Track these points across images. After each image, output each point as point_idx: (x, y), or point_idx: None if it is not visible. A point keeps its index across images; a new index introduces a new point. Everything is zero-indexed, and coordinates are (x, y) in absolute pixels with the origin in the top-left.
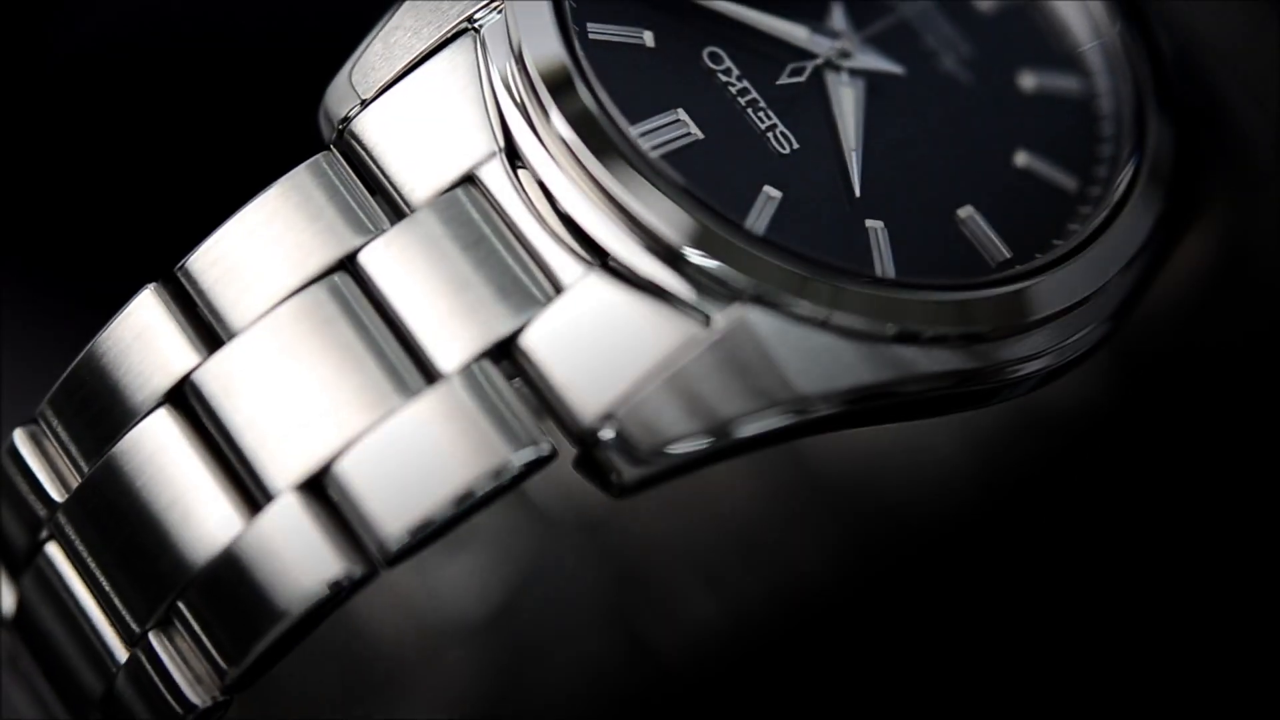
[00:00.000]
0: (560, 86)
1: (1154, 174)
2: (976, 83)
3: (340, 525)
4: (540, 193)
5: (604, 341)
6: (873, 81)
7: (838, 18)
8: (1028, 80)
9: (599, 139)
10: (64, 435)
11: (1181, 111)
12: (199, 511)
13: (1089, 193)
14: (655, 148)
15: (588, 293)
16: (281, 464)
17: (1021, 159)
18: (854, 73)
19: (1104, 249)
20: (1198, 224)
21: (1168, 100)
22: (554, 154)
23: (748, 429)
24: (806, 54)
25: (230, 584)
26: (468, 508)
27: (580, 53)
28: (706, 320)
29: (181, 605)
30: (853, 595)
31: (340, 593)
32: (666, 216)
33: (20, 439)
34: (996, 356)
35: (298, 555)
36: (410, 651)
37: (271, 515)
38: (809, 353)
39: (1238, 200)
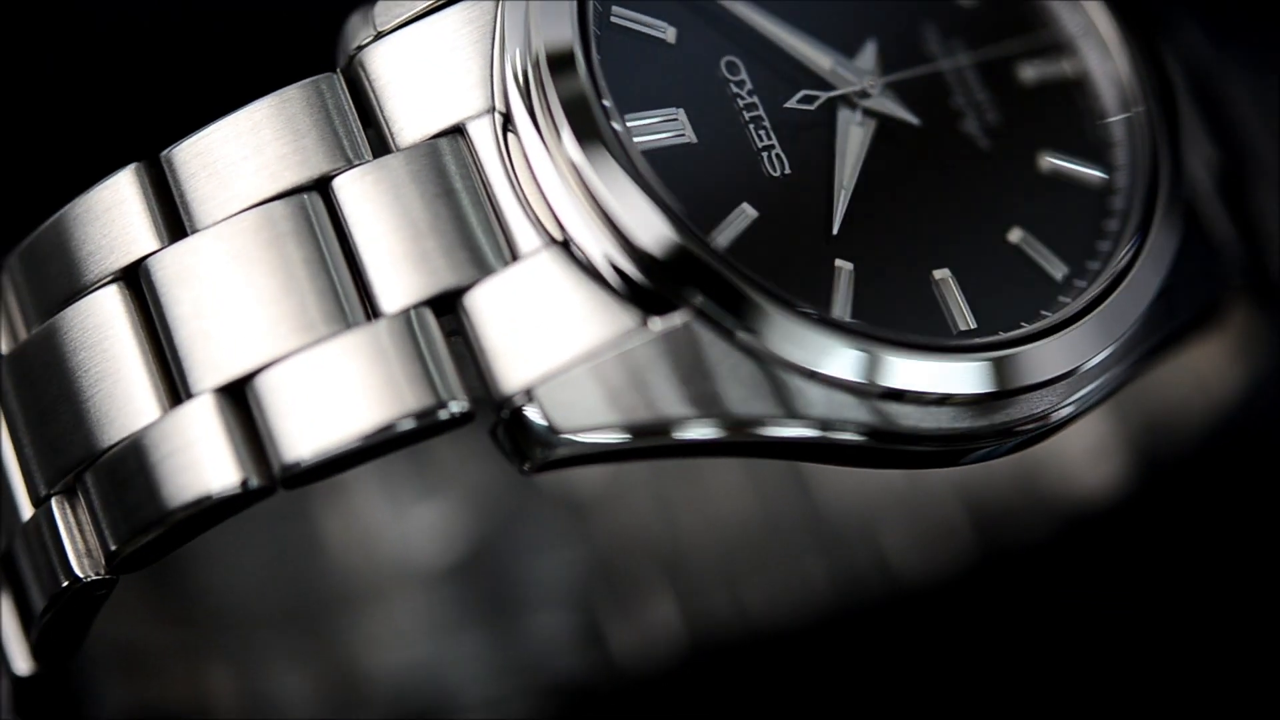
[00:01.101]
0: (561, 63)
1: (1141, 276)
2: (993, 152)
3: (250, 436)
4: (522, 160)
5: (543, 318)
6: (885, 126)
7: (868, 56)
8: (1047, 161)
9: (585, 123)
10: (22, 291)
11: (1191, 212)
12: (122, 393)
13: (1074, 284)
14: (643, 141)
15: (540, 267)
16: (208, 364)
17: (1015, 235)
18: (868, 113)
19: (1068, 340)
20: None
21: (1178, 197)
22: (540, 127)
23: (663, 434)
24: (825, 84)
25: (131, 469)
26: (374, 446)
27: (595, 33)
28: (644, 320)
29: (87, 478)
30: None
31: (234, 500)
32: (630, 211)
33: None
34: (917, 421)
35: (200, 455)
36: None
37: (186, 411)
38: (739, 374)
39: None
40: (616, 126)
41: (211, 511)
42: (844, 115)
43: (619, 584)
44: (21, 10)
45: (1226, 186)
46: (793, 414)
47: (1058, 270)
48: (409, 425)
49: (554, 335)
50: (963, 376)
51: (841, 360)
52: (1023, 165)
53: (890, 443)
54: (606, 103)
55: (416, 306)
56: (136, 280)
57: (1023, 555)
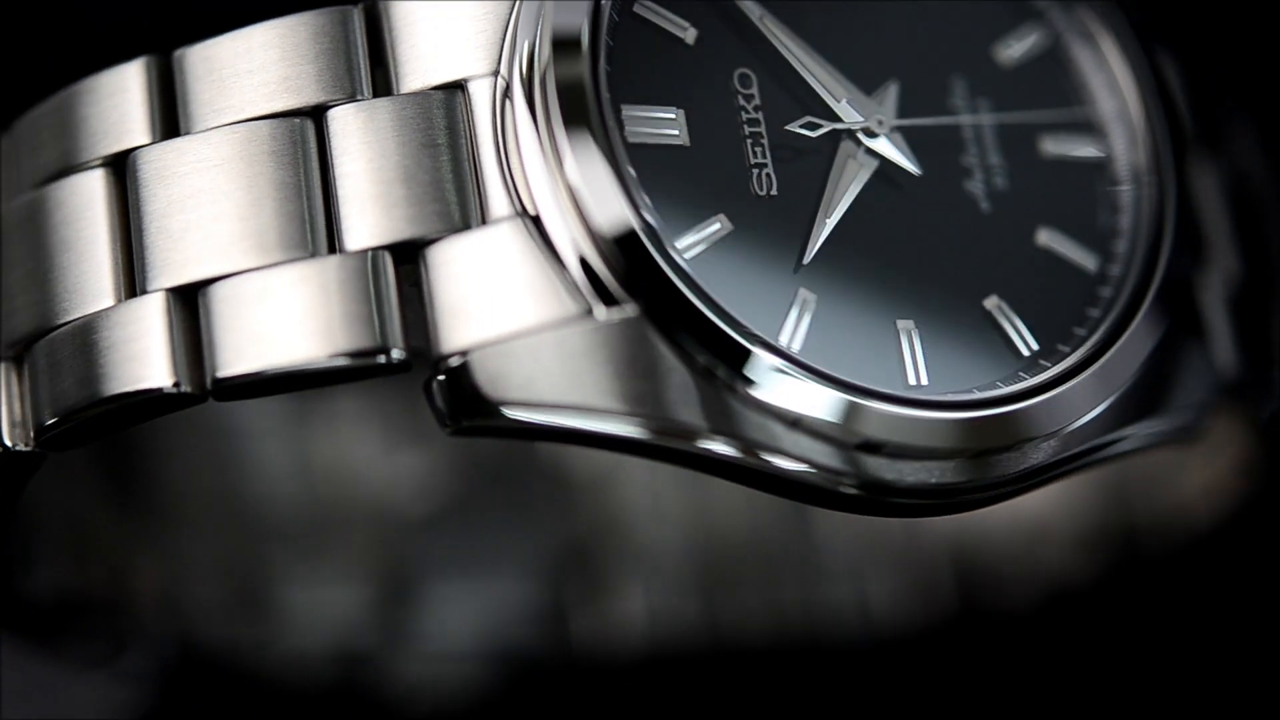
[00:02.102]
0: (568, 45)
1: (1110, 369)
2: (992, 216)
3: (192, 342)
4: (511, 129)
5: (495, 286)
6: (885, 169)
7: (888, 96)
8: (1044, 237)
9: (576, 109)
10: (18, 159)
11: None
12: (85, 275)
13: (1040, 363)
14: (635, 134)
15: (505, 236)
16: (167, 265)
17: (991, 302)
18: (870, 153)
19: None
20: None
21: (1170, 298)
22: (533, 101)
23: (587, 424)
24: (834, 115)
25: (74, 349)
26: (307, 376)
27: (614, 19)
28: (591, 309)
29: (36, 350)
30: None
31: (163, 400)
32: (598, 199)
33: None
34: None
35: (140, 350)
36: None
37: (138, 305)
38: (675, 379)
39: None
40: (609, 115)
41: (140, 407)
42: (845, 149)
43: (593, 568)
44: (21, 10)
45: (1240, 301)
46: (722, 431)
47: (1026, 347)
48: (342, 363)
49: (501, 305)
50: (879, 421)
51: (781, 389)
52: (1019, 236)
53: (826, 480)
54: (604, 92)
55: (378, 249)
56: (123, 170)
57: (1004, 619)
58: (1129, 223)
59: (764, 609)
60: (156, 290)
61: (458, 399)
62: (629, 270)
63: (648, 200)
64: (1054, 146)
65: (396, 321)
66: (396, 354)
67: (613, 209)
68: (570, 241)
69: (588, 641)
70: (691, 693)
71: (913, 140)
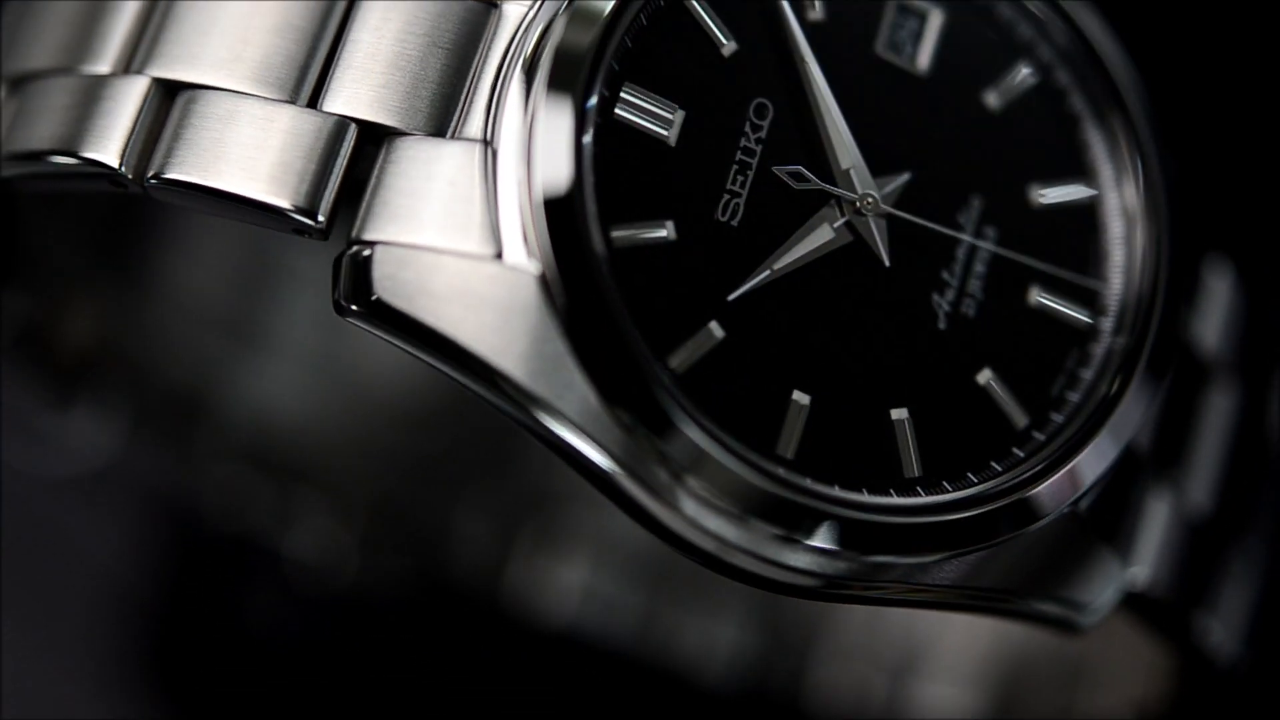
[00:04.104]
0: (588, 15)
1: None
2: (942, 337)
3: (152, 136)
4: (513, 60)
5: (429, 197)
6: (856, 248)
7: (892, 184)
8: (984, 377)
9: (565, 73)
10: None
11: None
12: (98, 33)
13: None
14: (622, 115)
15: (462, 156)
16: (166, 56)
17: (897, 413)
18: (849, 226)
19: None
20: None
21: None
22: (540, 51)
23: (450, 360)
24: (829, 177)
25: (49, 97)
26: (235, 206)
27: (659, 3)
28: (501, 254)
29: (26, 86)
30: None
31: (99, 175)
32: (547, 158)
33: None
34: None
35: (103, 123)
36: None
37: (125, 83)
38: (545, 350)
39: None
40: (604, 86)
41: (77, 175)
42: (825, 213)
43: (552, 524)
44: None
45: (1194, 531)
46: (562, 415)
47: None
48: (263, 211)
49: (424, 216)
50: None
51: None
52: (959, 365)
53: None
54: (614, 64)
55: (347, 119)
56: None
57: None
58: (1077, 402)
59: (696, 635)
60: (148, 76)
61: (350, 284)
62: (553, 237)
63: (597, 179)
64: (1042, 298)
65: (331, 191)
66: (317, 221)
67: (556, 176)
68: (513, 185)
69: (512, 593)
70: (586, 688)
71: (899, 234)
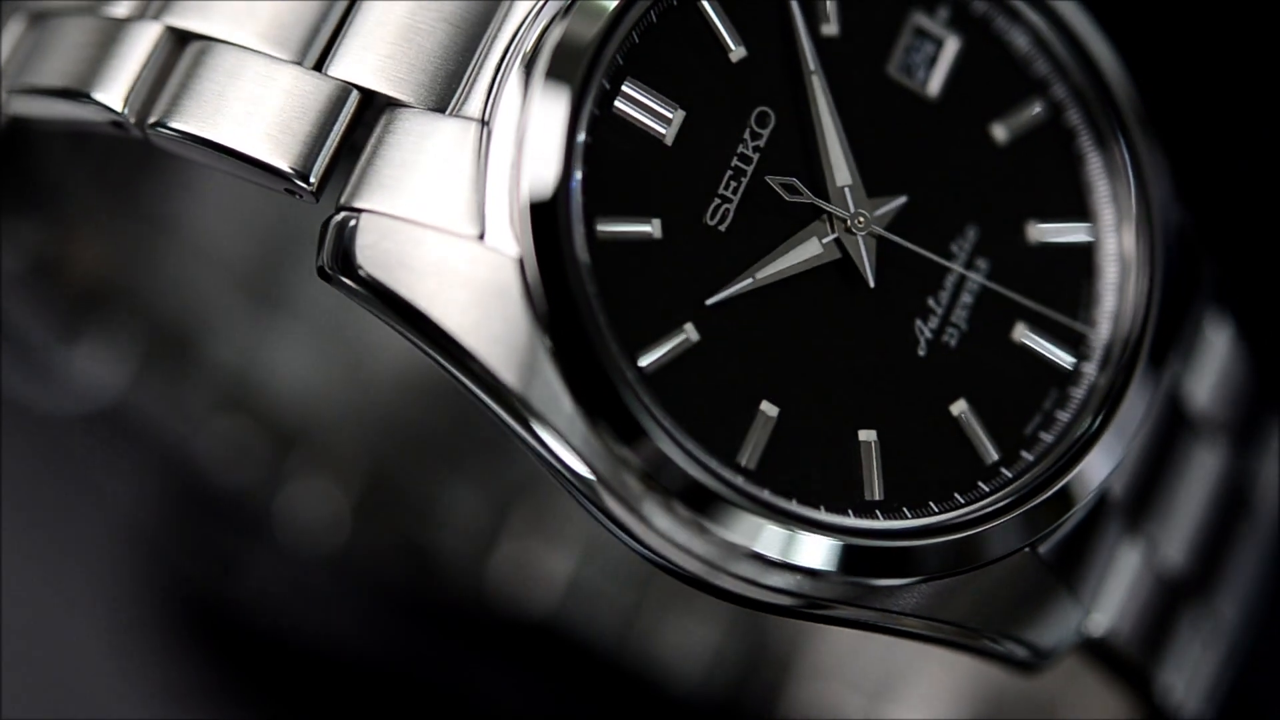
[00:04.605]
0: (594, 9)
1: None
2: (920, 364)
3: (159, 81)
4: (519, 47)
5: (420, 171)
6: (840, 265)
7: (887, 205)
8: (958, 408)
9: (566, 61)
10: None
11: None
12: None
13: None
14: (622, 111)
15: (458, 134)
16: (178, 4)
17: (866, 434)
18: (837, 243)
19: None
20: None
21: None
22: (543, 40)
23: (420, 331)
24: (823, 192)
25: (64, 35)
26: (229, 159)
27: (672, 3)
28: (481, 236)
29: (45, 19)
30: None
31: (103, 118)
32: (539, 150)
33: None
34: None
35: (110, 66)
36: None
37: (139, 28)
38: (515, 338)
39: None
40: (605, 80)
41: (82, 114)
42: (815, 227)
43: (546, 508)
44: None
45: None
46: (532, 412)
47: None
48: (257, 168)
49: (412, 189)
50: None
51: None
52: (934, 395)
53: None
54: (617, 59)
55: (349, 85)
56: None
57: None
58: (1050, 443)
59: (679, 636)
60: (162, 23)
61: (333, 250)
62: (535, 229)
63: (585, 172)
64: (1026, 336)
65: (327, 155)
66: (307, 182)
67: (543, 168)
68: (504, 168)
69: (498, 575)
70: (558, 680)
71: (889, 256)
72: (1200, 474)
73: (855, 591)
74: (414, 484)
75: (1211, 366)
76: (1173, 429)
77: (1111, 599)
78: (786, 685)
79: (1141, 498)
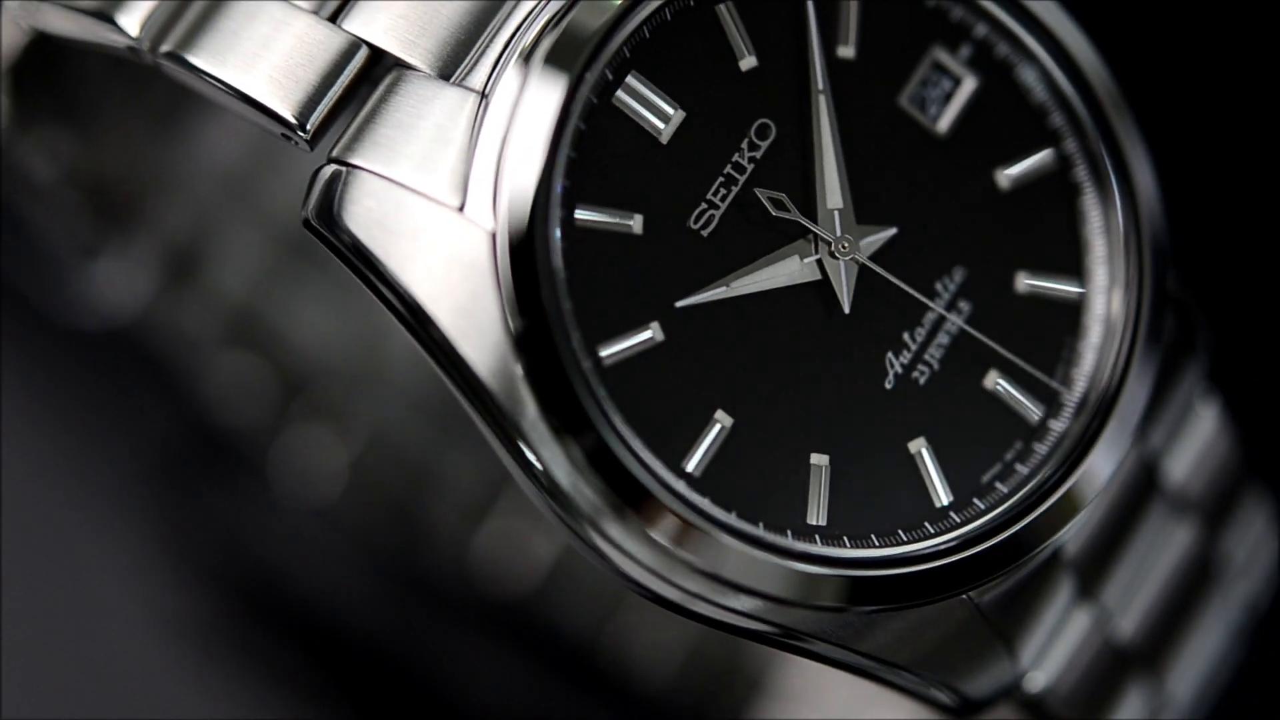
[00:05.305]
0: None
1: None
2: (885, 397)
3: (178, 12)
4: (529, 26)
5: (413, 135)
6: (818, 287)
7: (875, 235)
8: (916, 445)
9: (570, 46)
10: None
11: None
12: None
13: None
14: (621, 104)
15: (457, 104)
16: None
17: (818, 459)
18: (819, 265)
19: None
20: None
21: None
22: (552, 18)
23: (385, 288)
24: (811, 212)
25: None
26: (233, 97)
27: (688, 3)
28: (461, 207)
29: None
30: None
31: (120, 44)
32: (529, 128)
33: None
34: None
35: None
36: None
37: None
38: (481, 319)
39: None
40: (607, 70)
41: (99, 39)
42: (799, 245)
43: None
44: None
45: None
46: (477, 377)
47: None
48: (255, 108)
49: (403, 151)
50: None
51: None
52: (895, 431)
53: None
54: (624, 51)
55: (360, 41)
56: None
57: None
58: (1004, 493)
59: (655, 635)
60: None
61: (319, 202)
62: (509, 194)
63: (571, 161)
64: (998, 384)
65: (326, 107)
66: (303, 130)
67: (530, 159)
68: (494, 142)
69: (482, 549)
70: (525, 664)
71: (870, 285)
72: (1168, 548)
73: (774, 610)
74: (413, 448)
75: (1195, 441)
76: (1144, 499)
77: (1054, 659)
78: (753, 703)
79: (1101, 563)
